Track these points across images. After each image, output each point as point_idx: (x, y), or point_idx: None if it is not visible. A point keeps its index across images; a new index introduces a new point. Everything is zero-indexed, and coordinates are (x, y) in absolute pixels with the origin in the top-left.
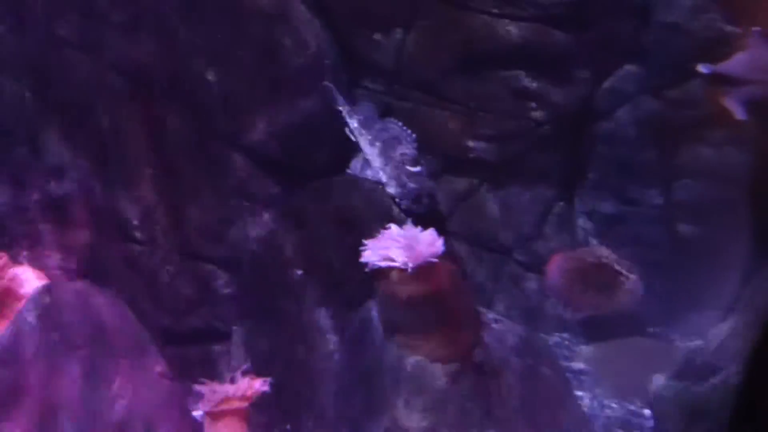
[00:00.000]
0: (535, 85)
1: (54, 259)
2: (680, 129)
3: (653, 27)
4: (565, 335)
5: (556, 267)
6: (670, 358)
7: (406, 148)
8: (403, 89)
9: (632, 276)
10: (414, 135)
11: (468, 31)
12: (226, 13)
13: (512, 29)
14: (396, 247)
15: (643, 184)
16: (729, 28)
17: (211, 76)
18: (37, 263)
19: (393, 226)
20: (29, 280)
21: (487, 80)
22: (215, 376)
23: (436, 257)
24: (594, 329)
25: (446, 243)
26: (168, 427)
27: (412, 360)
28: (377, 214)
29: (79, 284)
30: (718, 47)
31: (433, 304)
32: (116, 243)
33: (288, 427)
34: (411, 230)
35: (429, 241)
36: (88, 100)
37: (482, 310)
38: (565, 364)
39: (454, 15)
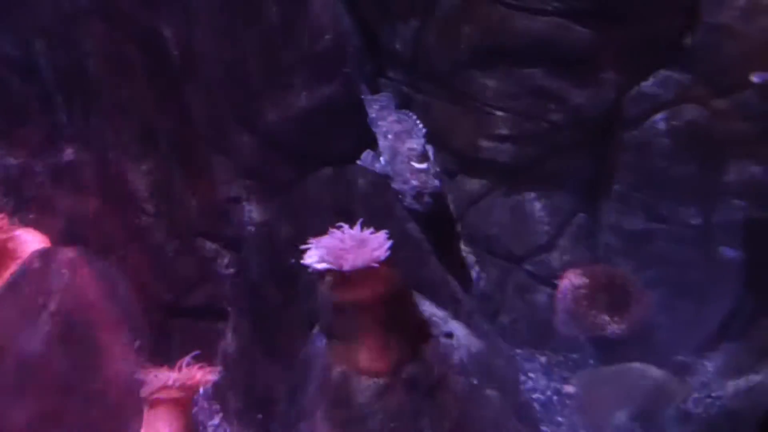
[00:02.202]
0: (554, 84)
1: (59, 224)
2: (728, 143)
3: (700, 28)
4: (574, 355)
5: (566, 282)
6: (662, 392)
7: (415, 143)
8: (420, 81)
9: (644, 298)
10: (425, 130)
11: (485, 22)
12: None
13: (531, 23)
14: (339, 248)
15: (678, 200)
16: None
17: (227, 57)
18: (42, 227)
19: (345, 226)
20: (29, 242)
21: (504, 77)
22: (213, 353)
23: (377, 263)
24: (604, 351)
25: (454, 246)
26: (127, 398)
27: (338, 369)
28: (376, 209)
29: (72, 251)
30: None
31: (365, 311)
32: (124, 214)
33: (260, 416)
34: (359, 232)
35: (374, 246)
36: (109, 72)
37: (438, 322)
38: (555, 385)
39: (472, 5)
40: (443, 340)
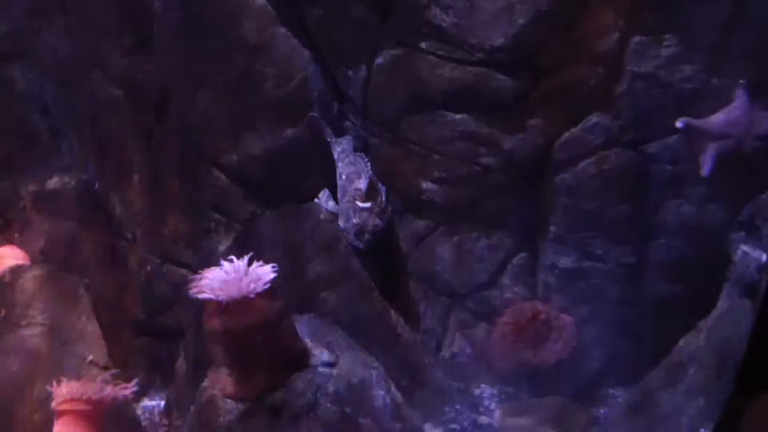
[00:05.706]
0: (484, 130)
1: (38, 244)
2: (658, 185)
3: (625, 77)
4: (508, 389)
5: (500, 318)
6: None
7: (362, 184)
8: (371, 125)
9: (566, 333)
10: (370, 171)
11: (417, 72)
12: (216, 41)
13: (457, 72)
14: (220, 279)
15: (611, 240)
16: (715, 80)
17: (197, 99)
18: (25, 247)
19: (234, 258)
20: (8, 259)
21: (438, 122)
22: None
23: (254, 294)
24: (536, 385)
25: (401, 283)
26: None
27: (207, 392)
28: (323, 245)
29: (41, 269)
30: (701, 100)
31: (234, 339)
32: (102, 239)
33: None
34: (244, 264)
35: (253, 278)
36: (95, 110)
37: (322, 352)
38: (474, 416)
39: (406, 55)
40: (321, 369)
